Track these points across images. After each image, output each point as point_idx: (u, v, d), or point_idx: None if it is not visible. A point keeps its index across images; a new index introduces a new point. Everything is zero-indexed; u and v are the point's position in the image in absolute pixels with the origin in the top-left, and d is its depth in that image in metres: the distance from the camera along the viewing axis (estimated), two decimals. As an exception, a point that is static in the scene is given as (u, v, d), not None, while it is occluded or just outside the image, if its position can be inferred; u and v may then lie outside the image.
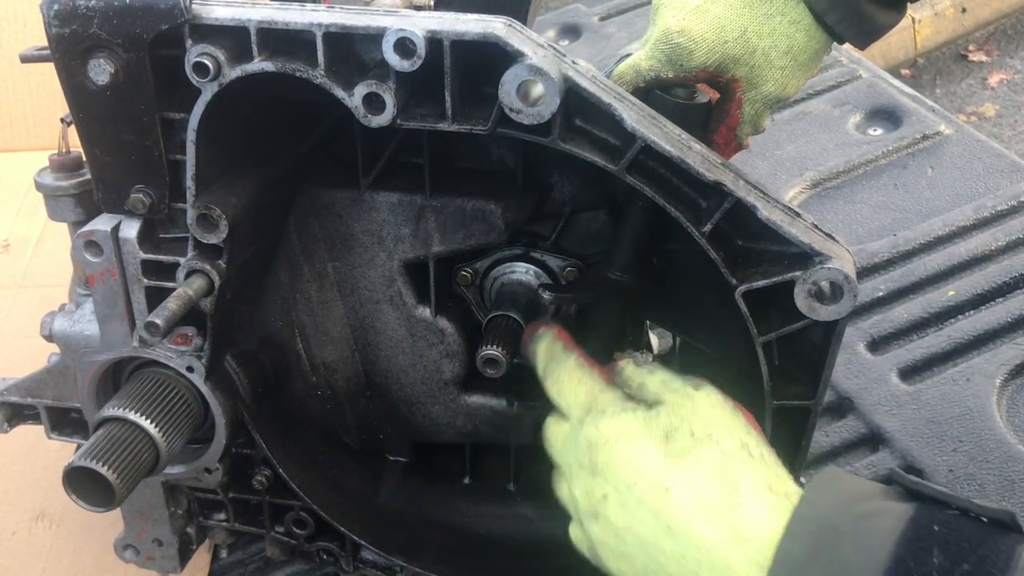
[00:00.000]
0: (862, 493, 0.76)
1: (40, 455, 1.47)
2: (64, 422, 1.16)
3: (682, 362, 1.26)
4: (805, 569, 0.71)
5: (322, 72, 0.85)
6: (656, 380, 0.89)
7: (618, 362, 0.95)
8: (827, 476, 0.78)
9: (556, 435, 0.91)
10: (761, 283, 0.87)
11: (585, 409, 0.88)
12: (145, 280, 0.98)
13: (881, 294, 1.56)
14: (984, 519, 0.70)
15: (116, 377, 1.09)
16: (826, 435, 1.37)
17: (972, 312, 1.51)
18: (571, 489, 0.87)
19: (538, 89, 0.83)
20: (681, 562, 0.77)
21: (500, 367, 1.03)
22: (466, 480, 1.28)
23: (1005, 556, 0.66)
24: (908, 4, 1.07)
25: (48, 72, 0.90)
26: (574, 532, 0.90)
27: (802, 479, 0.89)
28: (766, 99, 1.06)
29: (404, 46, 0.82)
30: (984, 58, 4.10)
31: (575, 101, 0.86)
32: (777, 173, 1.82)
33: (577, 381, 0.91)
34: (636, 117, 0.86)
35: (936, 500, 0.73)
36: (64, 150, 1.09)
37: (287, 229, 1.10)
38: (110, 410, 0.99)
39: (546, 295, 1.06)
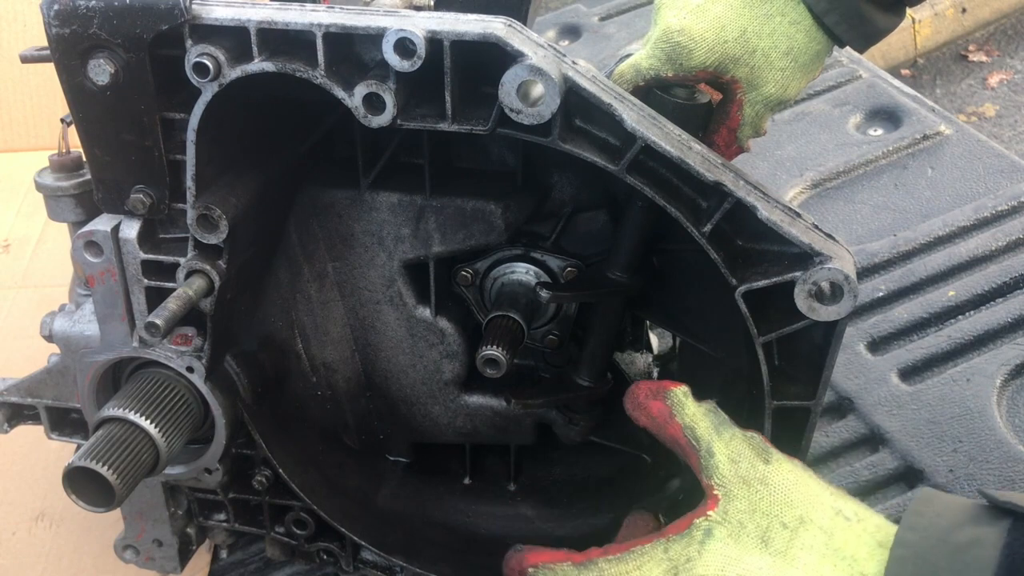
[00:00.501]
0: (954, 522, 0.74)
1: (40, 455, 1.47)
2: (64, 422, 1.16)
3: (682, 362, 1.26)
4: None
5: (322, 72, 0.85)
6: (724, 455, 0.84)
7: (670, 388, 0.89)
8: (918, 508, 0.76)
9: None
10: (761, 283, 0.87)
11: (672, 573, 0.81)
12: (145, 280, 0.98)
13: (881, 294, 1.56)
14: None
15: (116, 377, 1.09)
16: (826, 435, 1.37)
17: (972, 312, 1.51)
18: None
19: (538, 89, 0.83)
20: None
21: (500, 367, 1.03)
22: (466, 480, 1.28)
23: None
24: (908, 7, 1.07)
25: (48, 72, 0.90)
26: None
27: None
28: (767, 100, 1.06)
29: (404, 46, 0.82)
30: (984, 58, 4.10)
31: (575, 101, 0.86)
32: (777, 173, 1.82)
33: (635, 569, 0.83)
34: (636, 117, 0.86)
35: None
36: (64, 150, 1.09)
37: (287, 229, 1.10)
38: (110, 410, 0.99)
39: (543, 293, 1.06)
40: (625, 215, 1.03)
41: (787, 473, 0.83)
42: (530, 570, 0.87)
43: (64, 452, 1.09)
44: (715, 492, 0.83)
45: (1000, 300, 1.52)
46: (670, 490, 1.18)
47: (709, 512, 0.82)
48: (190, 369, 1.03)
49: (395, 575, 1.23)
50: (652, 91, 1.07)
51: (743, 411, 0.98)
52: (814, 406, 0.93)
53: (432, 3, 1.22)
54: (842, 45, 1.06)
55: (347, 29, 0.84)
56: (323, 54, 0.85)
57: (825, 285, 0.85)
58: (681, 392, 0.89)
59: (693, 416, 0.87)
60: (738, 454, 0.84)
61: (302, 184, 1.08)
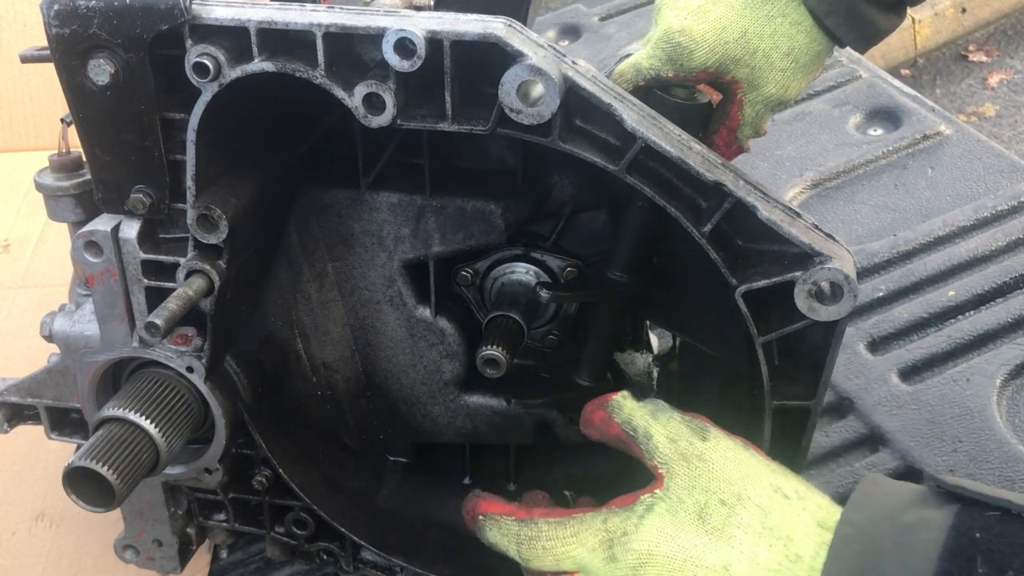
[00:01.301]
0: (901, 503, 0.75)
1: (40, 455, 1.47)
2: (64, 422, 1.16)
3: (682, 362, 1.26)
4: None
5: (322, 72, 0.85)
6: (662, 435, 0.85)
7: (611, 397, 0.91)
8: (865, 489, 0.77)
9: None
10: (761, 283, 0.87)
11: (605, 545, 0.83)
12: (145, 280, 0.98)
13: (881, 294, 1.56)
14: None
15: (116, 377, 1.09)
16: (826, 435, 1.37)
17: (972, 312, 1.51)
18: None
19: (538, 89, 0.83)
20: None
21: (500, 367, 1.03)
22: (466, 480, 1.28)
23: None
24: (908, 8, 1.07)
25: (48, 72, 0.90)
26: None
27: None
28: (767, 101, 1.06)
29: (404, 46, 0.82)
30: (984, 58, 4.10)
31: (575, 101, 0.86)
32: (777, 173, 1.82)
33: (573, 535, 0.85)
34: (636, 117, 0.86)
35: (975, 501, 0.71)
36: (64, 150, 1.09)
37: (287, 229, 1.10)
38: (110, 410, 0.99)
39: (544, 293, 1.06)
40: (625, 215, 1.03)
41: (726, 450, 0.84)
42: (480, 517, 0.91)
43: (64, 452, 1.09)
44: (660, 471, 0.84)
45: (1000, 300, 1.52)
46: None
47: (656, 490, 0.83)
48: (190, 369, 1.03)
49: (395, 575, 1.23)
50: (652, 91, 1.07)
51: (743, 411, 0.98)
52: (814, 406, 0.93)
53: (432, 3, 1.22)
54: (843, 46, 1.07)
55: (347, 29, 0.84)
56: (323, 54, 0.85)
57: (825, 285, 0.85)
58: (620, 396, 0.90)
59: (630, 411, 0.89)
60: (676, 433, 0.85)
61: (302, 184, 1.08)
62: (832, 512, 0.78)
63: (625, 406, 0.90)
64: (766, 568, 0.76)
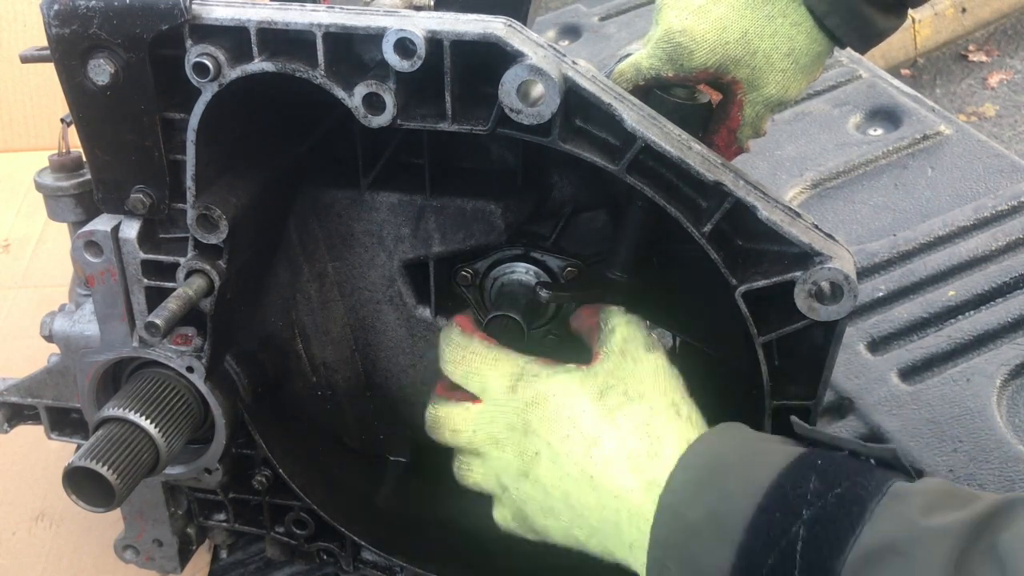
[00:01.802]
0: (759, 437, 0.81)
1: (40, 455, 1.46)
2: (64, 422, 1.16)
3: (682, 362, 1.26)
4: (692, 496, 0.75)
5: (322, 72, 0.85)
6: (621, 334, 0.91)
7: (611, 307, 0.96)
8: (731, 424, 0.83)
9: (463, 416, 0.92)
10: (761, 283, 0.87)
11: (513, 377, 0.90)
12: (145, 280, 0.98)
13: (881, 294, 1.56)
14: (871, 460, 0.74)
15: (116, 377, 1.09)
16: (826, 435, 1.37)
17: (972, 312, 1.51)
18: (499, 457, 0.90)
19: (538, 89, 0.83)
20: (601, 512, 0.81)
21: (500, 367, 1.03)
22: (466, 480, 1.28)
23: (877, 483, 0.70)
24: (908, 9, 1.07)
25: (48, 72, 0.90)
26: (499, 513, 0.94)
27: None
28: (767, 101, 1.07)
29: (404, 46, 0.82)
30: (984, 58, 4.10)
31: (575, 101, 0.86)
32: (777, 173, 1.82)
33: (493, 359, 0.92)
34: (636, 117, 0.86)
35: (828, 444, 0.77)
36: (64, 150, 1.09)
37: (287, 229, 1.10)
38: (110, 410, 0.99)
39: (543, 293, 1.06)
40: (625, 215, 1.03)
41: (656, 363, 0.90)
42: (447, 327, 0.98)
43: (64, 452, 1.09)
44: (598, 355, 0.90)
45: (1000, 300, 1.52)
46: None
47: (583, 367, 0.89)
48: (190, 369, 1.03)
49: (395, 575, 1.23)
50: (652, 91, 1.07)
51: (743, 411, 0.98)
52: (814, 406, 0.93)
53: (432, 3, 1.22)
54: (843, 46, 1.07)
55: (347, 29, 0.84)
56: (323, 54, 0.85)
57: (825, 285, 0.85)
58: (614, 307, 0.96)
59: (613, 312, 0.95)
60: (633, 337, 0.91)
61: (302, 184, 1.08)
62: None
63: (613, 311, 0.95)
64: (628, 456, 0.81)
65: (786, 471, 0.73)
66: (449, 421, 0.93)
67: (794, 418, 0.82)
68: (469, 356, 0.93)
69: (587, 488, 0.82)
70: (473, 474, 0.94)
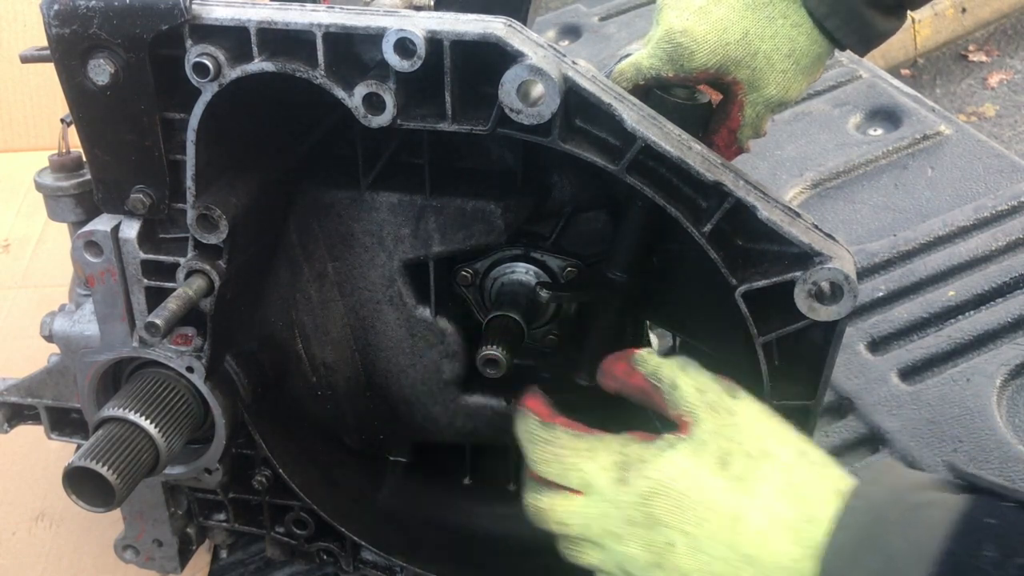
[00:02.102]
0: (915, 484, 0.74)
1: (40, 455, 1.47)
2: (64, 422, 1.16)
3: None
4: (854, 559, 0.70)
5: (322, 72, 0.85)
6: (690, 386, 0.84)
7: (635, 352, 0.90)
8: (881, 467, 0.77)
9: (570, 510, 0.84)
10: (761, 283, 0.87)
11: (618, 468, 0.82)
12: (145, 280, 0.98)
13: (881, 294, 1.56)
14: None
15: (116, 377, 1.09)
16: (826, 435, 1.37)
17: (972, 312, 1.51)
18: (622, 551, 0.81)
19: (538, 89, 0.83)
20: None
21: (500, 367, 1.03)
22: (466, 480, 1.28)
23: None
24: (909, 10, 1.07)
25: (48, 72, 0.90)
26: None
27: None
28: (767, 102, 1.06)
29: (404, 46, 0.82)
30: (984, 58, 4.10)
31: (575, 101, 0.86)
32: (777, 173, 1.82)
33: (588, 451, 0.84)
34: (636, 117, 0.86)
35: (992, 492, 0.71)
36: (64, 150, 1.09)
37: (287, 229, 1.10)
38: (110, 410, 0.99)
39: (543, 293, 1.06)
40: (625, 215, 1.03)
41: (755, 410, 0.83)
42: (520, 409, 0.89)
43: (64, 452, 1.09)
44: (685, 419, 0.83)
45: (1000, 300, 1.52)
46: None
47: (680, 434, 0.82)
48: (190, 369, 1.03)
49: (395, 575, 1.23)
50: (652, 91, 1.07)
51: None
52: (814, 406, 0.93)
53: (432, 3, 1.22)
54: (843, 48, 1.07)
55: (347, 29, 0.84)
56: (323, 54, 0.85)
57: (825, 285, 0.85)
58: (644, 351, 0.90)
59: (656, 363, 0.88)
60: (704, 386, 0.84)
61: (302, 184, 1.08)
62: (851, 485, 0.77)
63: (650, 359, 0.88)
64: (784, 524, 0.75)
65: (956, 535, 0.67)
66: (554, 514, 0.85)
67: (952, 463, 0.78)
68: (560, 452, 0.85)
69: (742, 566, 0.76)
70: (589, 558, 0.85)
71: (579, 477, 0.84)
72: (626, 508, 0.80)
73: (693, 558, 0.77)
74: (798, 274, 0.85)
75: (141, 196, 0.94)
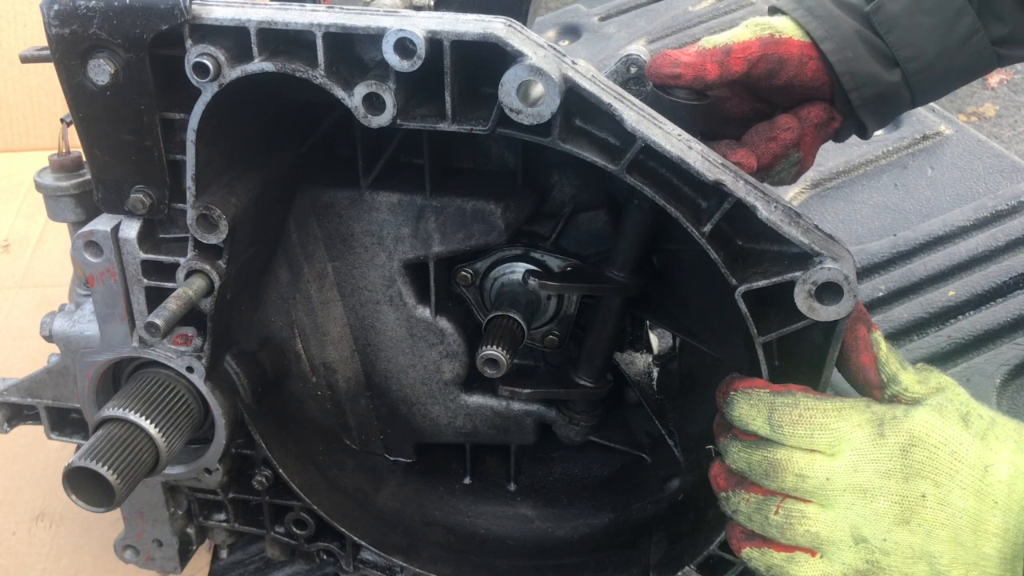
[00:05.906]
0: None
1: (40, 455, 1.47)
2: (64, 422, 1.16)
3: (682, 362, 1.26)
4: None
5: (322, 72, 0.85)
6: (911, 379, 0.90)
7: (875, 330, 0.92)
8: None
9: (812, 464, 0.86)
10: (761, 283, 0.87)
11: (873, 424, 0.85)
12: (145, 280, 0.98)
13: (881, 294, 1.56)
14: None
15: (116, 377, 1.09)
16: (826, 435, 1.37)
17: (972, 312, 1.51)
18: (862, 508, 0.84)
19: (538, 89, 0.82)
20: (1005, 536, 0.80)
21: (500, 367, 1.03)
22: (466, 480, 1.28)
23: None
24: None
25: (48, 72, 0.90)
26: (818, 569, 0.87)
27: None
28: None
29: (404, 46, 0.82)
30: (984, 58, 4.09)
31: (575, 101, 0.86)
32: (777, 173, 1.81)
33: (836, 410, 0.87)
34: (636, 117, 0.86)
35: None
36: (64, 150, 1.09)
37: (287, 229, 1.10)
38: (110, 410, 0.99)
39: (532, 281, 1.06)
40: (625, 215, 1.03)
41: (950, 380, 0.89)
42: (732, 393, 0.91)
43: (64, 452, 1.09)
44: (919, 388, 0.89)
45: (1000, 300, 1.52)
46: (669, 490, 1.18)
47: (920, 398, 0.87)
48: (190, 369, 1.03)
49: (395, 575, 1.23)
50: (652, 91, 1.07)
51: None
52: (814, 406, 0.93)
53: (432, 3, 1.22)
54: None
55: (347, 29, 0.84)
56: (323, 54, 0.85)
57: (825, 285, 0.85)
58: (879, 334, 0.92)
59: (886, 353, 0.91)
60: (924, 377, 0.90)
61: (302, 184, 1.08)
62: None
63: (883, 346, 0.92)
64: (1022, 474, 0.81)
65: None
66: (793, 465, 0.87)
67: None
68: (808, 412, 0.87)
69: (988, 512, 0.81)
70: (811, 522, 0.86)
71: (829, 435, 0.86)
72: (883, 461, 0.84)
73: (940, 510, 0.82)
74: (798, 274, 0.85)
75: (141, 196, 0.94)
